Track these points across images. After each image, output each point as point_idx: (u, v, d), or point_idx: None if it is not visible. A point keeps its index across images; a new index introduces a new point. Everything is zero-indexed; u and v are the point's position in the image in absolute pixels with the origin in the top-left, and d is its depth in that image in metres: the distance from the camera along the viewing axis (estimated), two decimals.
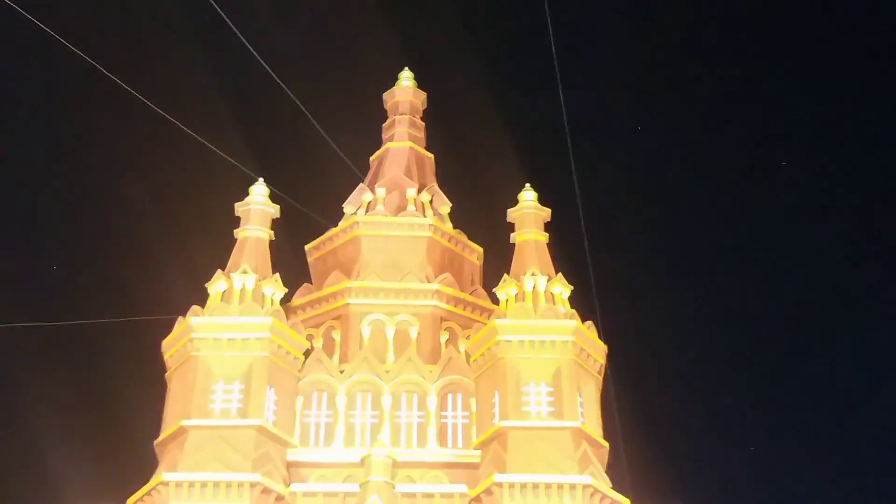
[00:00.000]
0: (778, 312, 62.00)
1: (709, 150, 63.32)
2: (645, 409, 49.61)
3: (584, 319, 35.88)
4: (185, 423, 33.07)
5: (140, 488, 32.32)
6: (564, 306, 36.10)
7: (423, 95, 46.34)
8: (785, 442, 58.77)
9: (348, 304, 38.10)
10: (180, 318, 35.57)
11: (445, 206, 42.52)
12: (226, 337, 34.52)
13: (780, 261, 63.56)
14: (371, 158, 44.98)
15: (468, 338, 36.89)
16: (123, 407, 47.60)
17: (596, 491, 31.94)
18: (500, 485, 31.81)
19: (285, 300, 37.44)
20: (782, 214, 63.47)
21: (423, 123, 45.84)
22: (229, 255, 37.42)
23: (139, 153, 59.81)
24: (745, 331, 61.32)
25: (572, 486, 31.65)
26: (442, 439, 34.72)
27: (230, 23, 39.47)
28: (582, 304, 36.68)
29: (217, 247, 39.00)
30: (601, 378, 36.00)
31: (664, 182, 63.28)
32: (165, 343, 35.73)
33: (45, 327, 45.40)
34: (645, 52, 64.20)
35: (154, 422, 34.79)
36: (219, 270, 36.59)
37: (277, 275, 36.76)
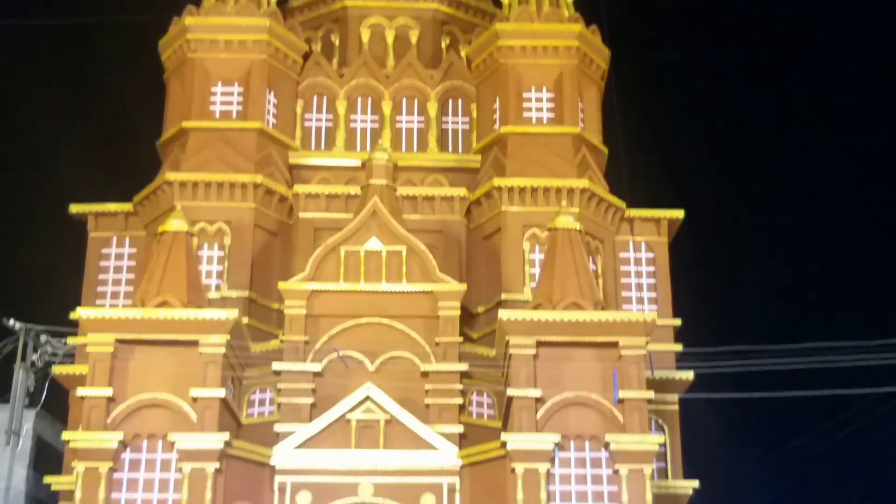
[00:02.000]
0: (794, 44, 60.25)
1: None
2: (646, 115, 49.46)
3: (588, 24, 35.17)
4: (185, 124, 33.17)
5: (145, 188, 32.85)
6: (568, 10, 35.30)
7: None
8: (788, 162, 58.93)
9: (346, 6, 37.17)
10: (175, 19, 34.87)
11: None
12: (222, 38, 34.00)
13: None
14: None
15: (469, 43, 36.28)
16: (125, 108, 47.55)
17: (593, 195, 32.45)
18: (499, 188, 32.29)
19: (282, 1, 36.55)
20: None
21: None
22: None
23: None
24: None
25: (570, 190, 32.14)
26: (442, 144, 34.93)
27: None
28: (586, 7, 35.78)
29: None
30: (603, 84, 35.74)
31: None
32: (162, 44, 35.20)
33: (39, 27, 44.57)
34: None
35: (157, 123, 34.96)
36: None
37: None
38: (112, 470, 26.26)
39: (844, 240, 55.51)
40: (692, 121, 56.71)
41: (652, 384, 28.00)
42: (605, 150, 34.77)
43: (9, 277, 44.88)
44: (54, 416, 35.68)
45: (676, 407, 31.37)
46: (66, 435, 27.86)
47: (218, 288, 31.22)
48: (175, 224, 29.30)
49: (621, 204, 33.22)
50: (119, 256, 32.93)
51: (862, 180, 58.30)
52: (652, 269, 33.09)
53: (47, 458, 35.65)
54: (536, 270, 31.12)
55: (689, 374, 31.02)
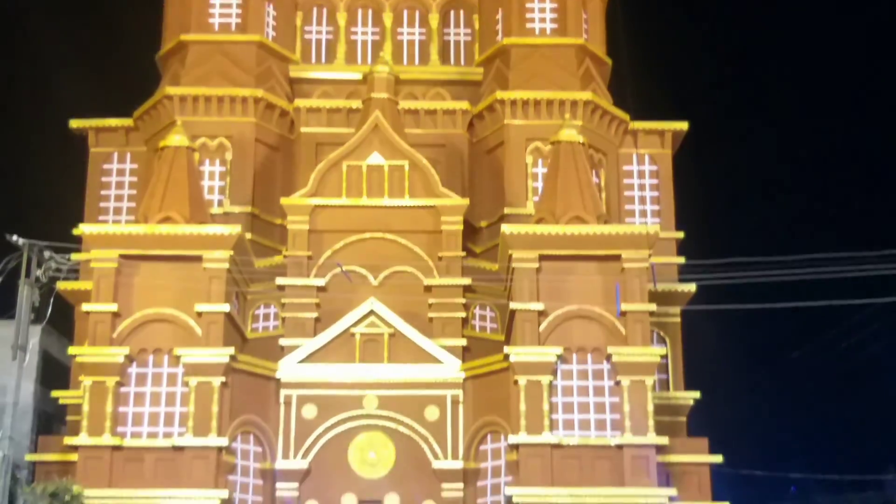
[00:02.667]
0: None
1: None
2: (651, 27, 48.85)
3: None
4: (184, 37, 32.79)
5: (145, 102, 32.58)
6: None
7: None
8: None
9: None
10: None
11: None
12: None
13: None
14: None
15: None
16: (124, 20, 46.94)
17: (597, 107, 32.18)
18: (502, 101, 32.03)
19: None
20: None
21: None
22: None
23: None
24: None
25: (573, 103, 31.88)
26: (444, 57, 34.55)
27: None
28: None
29: None
30: None
31: None
32: None
33: None
34: None
35: (157, 36, 34.49)
36: None
37: None
38: (119, 384, 26.54)
39: (847, 151, 55.30)
40: (697, 33, 56.12)
41: (654, 297, 28.12)
42: (610, 61, 34.39)
43: (11, 193, 44.90)
44: (60, 332, 35.98)
45: (678, 319, 31.52)
46: (72, 350, 28.13)
47: (220, 203, 31.19)
48: (176, 139, 29.12)
49: (625, 116, 32.96)
50: (121, 172, 32.81)
51: (866, 94, 57.79)
52: (655, 181, 32.97)
53: (54, 372, 36.02)
54: (539, 184, 31.01)
55: (691, 287, 31.11)
